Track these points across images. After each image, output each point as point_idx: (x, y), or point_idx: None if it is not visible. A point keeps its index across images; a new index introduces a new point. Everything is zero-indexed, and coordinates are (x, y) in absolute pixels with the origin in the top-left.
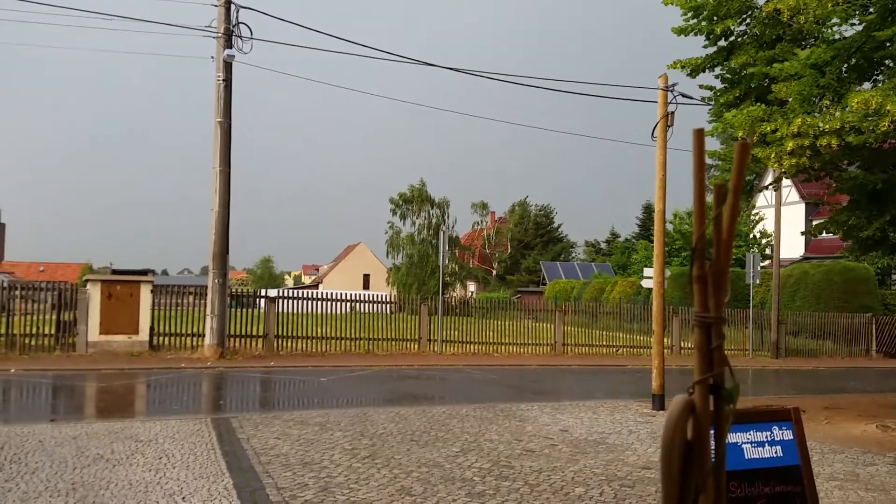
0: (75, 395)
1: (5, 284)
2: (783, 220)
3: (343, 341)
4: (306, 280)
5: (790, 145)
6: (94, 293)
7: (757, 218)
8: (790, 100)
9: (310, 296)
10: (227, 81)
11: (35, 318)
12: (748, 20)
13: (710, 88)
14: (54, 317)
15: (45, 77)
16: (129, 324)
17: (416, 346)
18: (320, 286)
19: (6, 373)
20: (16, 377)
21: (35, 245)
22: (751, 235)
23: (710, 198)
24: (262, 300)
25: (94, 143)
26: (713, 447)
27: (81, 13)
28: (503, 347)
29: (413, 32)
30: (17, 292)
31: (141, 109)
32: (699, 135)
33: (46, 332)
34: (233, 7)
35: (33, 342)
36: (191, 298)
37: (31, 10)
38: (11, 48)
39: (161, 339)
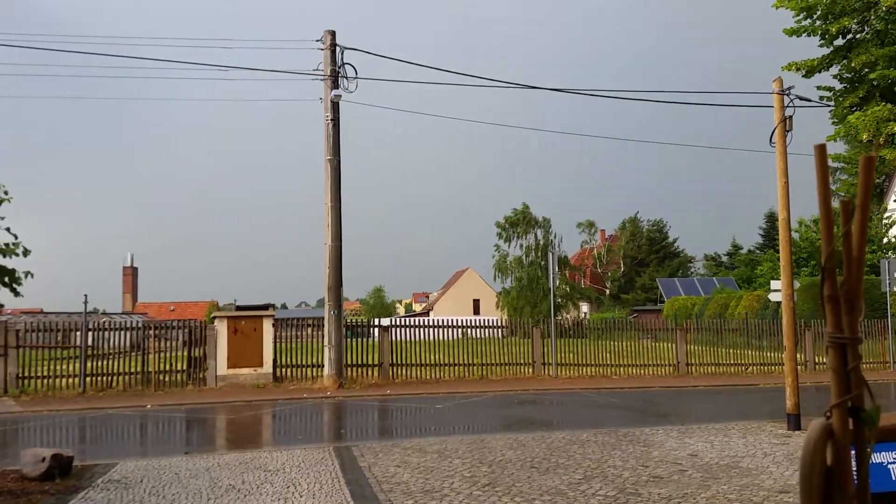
0: (207, 427)
1: (140, 325)
2: None
3: (456, 367)
4: (417, 308)
5: None
6: (222, 329)
7: (890, 221)
8: None
9: (421, 323)
10: (335, 120)
11: (168, 355)
12: (868, 17)
13: (829, 89)
14: (185, 353)
15: (167, 126)
16: (254, 357)
17: (531, 370)
18: (431, 313)
19: (142, 408)
20: (151, 412)
21: (164, 286)
22: (884, 240)
23: (836, 203)
24: (376, 329)
25: (209, 186)
26: (855, 470)
27: (202, 67)
28: (622, 369)
29: (511, 58)
30: (151, 332)
31: (255, 151)
32: (821, 150)
33: (178, 367)
34: (338, 49)
35: (167, 378)
36: (309, 330)
37: (173, 68)
38: (147, 103)
39: (283, 370)
